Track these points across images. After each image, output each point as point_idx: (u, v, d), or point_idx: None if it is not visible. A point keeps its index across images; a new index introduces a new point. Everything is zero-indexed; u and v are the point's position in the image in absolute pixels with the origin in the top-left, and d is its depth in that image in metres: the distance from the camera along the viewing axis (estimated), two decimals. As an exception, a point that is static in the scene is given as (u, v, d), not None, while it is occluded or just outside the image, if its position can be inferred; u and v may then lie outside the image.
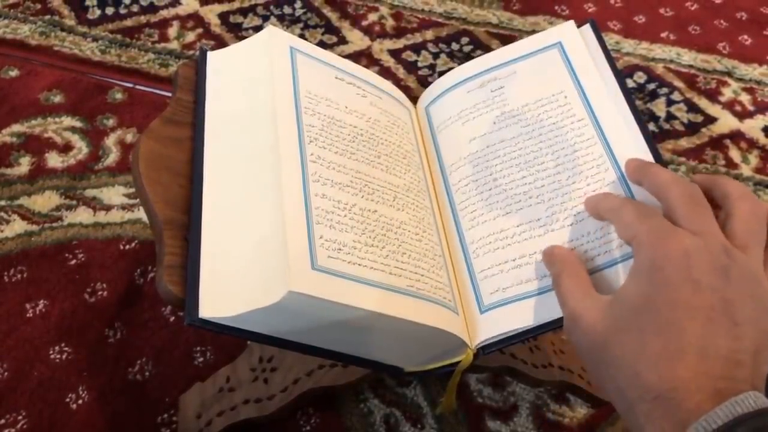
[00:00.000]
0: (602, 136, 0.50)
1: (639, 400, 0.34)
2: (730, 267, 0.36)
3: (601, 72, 0.53)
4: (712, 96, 1.03)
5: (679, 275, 0.36)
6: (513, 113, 0.54)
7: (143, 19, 1.08)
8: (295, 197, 0.44)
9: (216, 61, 0.56)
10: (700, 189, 0.41)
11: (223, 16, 1.10)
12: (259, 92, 0.51)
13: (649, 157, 0.48)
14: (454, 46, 1.08)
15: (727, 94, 1.04)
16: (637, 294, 0.37)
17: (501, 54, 0.58)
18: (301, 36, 1.06)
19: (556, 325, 0.45)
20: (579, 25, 0.56)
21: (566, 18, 1.12)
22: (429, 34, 1.10)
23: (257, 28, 1.07)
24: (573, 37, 0.56)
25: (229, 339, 0.70)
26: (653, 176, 0.43)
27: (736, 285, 0.36)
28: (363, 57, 1.06)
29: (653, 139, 0.49)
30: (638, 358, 0.35)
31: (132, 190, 0.85)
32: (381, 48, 1.07)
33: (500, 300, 0.47)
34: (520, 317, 0.46)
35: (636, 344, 0.35)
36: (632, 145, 0.49)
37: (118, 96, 0.96)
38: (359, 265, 0.44)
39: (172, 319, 0.75)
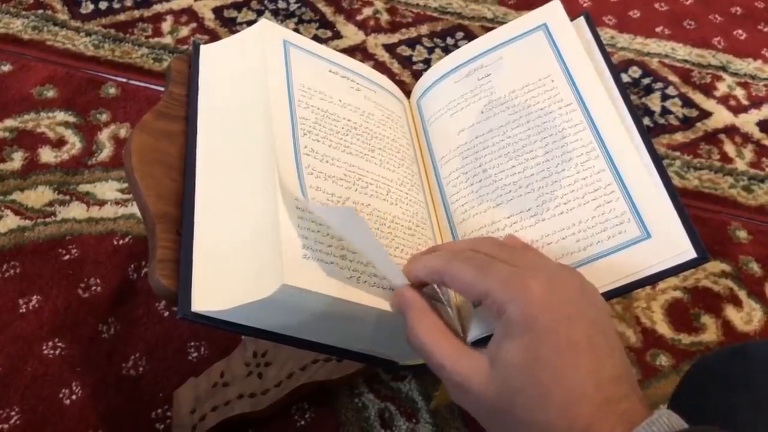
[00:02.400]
0: (591, 121, 0.50)
1: None
2: (581, 282, 0.37)
3: (594, 64, 0.53)
4: (707, 91, 1.03)
5: (551, 318, 0.35)
6: (500, 101, 0.54)
7: (137, 13, 1.08)
8: (288, 191, 0.44)
9: (209, 55, 0.55)
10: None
11: (217, 11, 1.09)
12: (253, 85, 0.51)
13: (641, 146, 0.48)
14: (449, 40, 1.08)
15: (721, 88, 1.04)
16: (519, 353, 0.35)
17: (486, 40, 0.57)
18: (296, 30, 1.05)
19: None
20: (573, 19, 0.56)
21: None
22: (424, 29, 1.10)
23: (251, 23, 1.07)
24: (558, 18, 0.55)
25: (224, 334, 0.70)
26: (425, 266, 0.41)
27: (588, 299, 0.36)
28: (358, 52, 1.05)
29: (648, 134, 0.49)
30: (545, 413, 0.34)
31: (126, 185, 0.84)
32: (376, 43, 1.07)
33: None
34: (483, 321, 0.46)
35: (539, 401, 0.34)
36: (622, 129, 0.48)
37: (112, 91, 0.96)
38: (351, 260, 0.43)
39: (166, 314, 0.74)
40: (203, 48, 0.56)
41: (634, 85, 1.04)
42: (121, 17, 1.07)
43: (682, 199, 0.47)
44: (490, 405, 0.36)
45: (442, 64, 0.58)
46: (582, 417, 0.33)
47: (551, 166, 0.49)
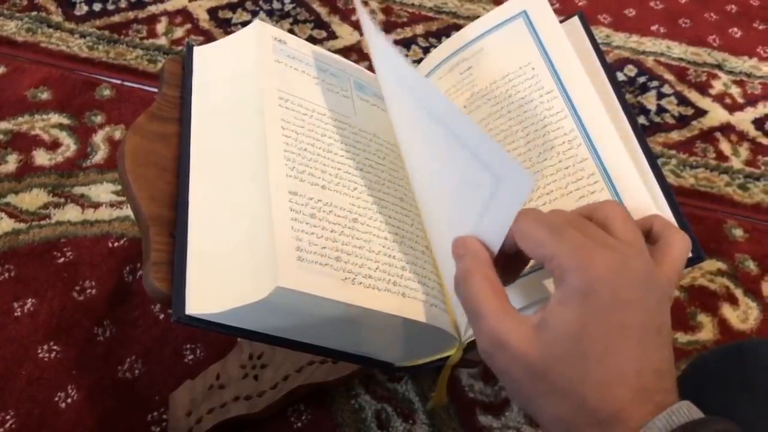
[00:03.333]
0: (573, 109, 0.49)
1: (584, 426, 0.34)
2: (648, 274, 0.36)
3: (588, 64, 0.53)
4: (703, 89, 1.03)
5: (611, 297, 0.35)
6: (482, 93, 0.53)
7: (131, 15, 1.07)
8: (282, 193, 0.44)
9: (202, 56, 0.55)
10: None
11: (212, 12, 1.09)
12: (246, 87, 0.51)
13: (637, 149, 0.47)
14: (444, 40, 1.08)
15: (717, 86, 1.04)
16: (572, 321, 0.35)
17: (467, 32, 0.57)
18: (291, 31, 1.05)
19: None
20: (567, 18, 0.56)
21: (557, 11, 1.12)
22: (419, 29, 1.09)
23: (246, 24, 1.06)
24: (537, 4, 0.54)
25: (219, 336, 0.70)
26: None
27: (652, 293, 0.36)
28: (353, 52, 1.05)
29: (644, 133, 0.49)
30: (582, 386, 0.34)
31: (121, 187, 0.84)
32: (371, 43, 1.07)
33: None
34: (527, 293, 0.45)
35: (579, 372, 0.34)
36: (604, 115, 0.48)
37: (106, 92, 0.95)
38: (346, 261, 0.43)
39: (161, 316, 0.74)
40: (197, 49, 0.55)
41: (630, 83, 1.04)
42: (116, 19, 1.06)
43: (678, 197, 0.47)
44: (525, 367, 0.35)
45: (426, 62, 0.58)
46: (616, 399, 0.33)
47: (533, 155, 0.49)
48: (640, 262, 0.36)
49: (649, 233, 0.41)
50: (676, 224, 0.43)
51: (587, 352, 0.34)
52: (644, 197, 0.45)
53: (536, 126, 0.50)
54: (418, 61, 1.03)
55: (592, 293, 0.35)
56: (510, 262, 0.40)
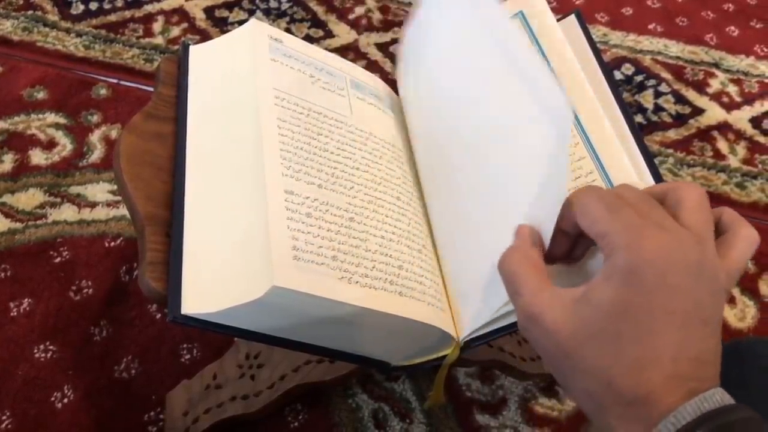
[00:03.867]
0: (576, 123, 0.49)
1: (612, 404, 0.34)
2: (702, 264, 0.35)
3: (585, 62, 0.52)
4: (700, 87, 1.03)
5: (656, 280, 0.34)
6: (477, 91, 0.53)
7: (127, 14, 1.07)
8: (278, 192, 0.44)
9: (198, 55, 0.55)
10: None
11: (209, 11, 1.09)
12: (242, 86, 0.50)
13: (634, 149, 0.47)
14: (442, 39, 1.08)
15: (714, 85, 1.04)
16: (612, 298, 0.35)
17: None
18: (287, 30, 1.05)
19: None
20: (564, 16, 0.56)
21: (554, 9, 1.12)
22: (416, 28, 1.09)
23: (243, 23, 1.06)
24: (534, 5, 0.54)
25: (216, 336, 0.70)
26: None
27: (704, 283, 0.35)
28: (350, 51, 1.05)
29: (640, 131, 0.49)
30: (613, 365, 0.34)
31: (117, 186, 0.84)
32: (368, 42, 1.07)
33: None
34: (506, 309, 0.45)
35: (611, 351, 0.34)
36: (602, 115, 0.48)
37: (103, 92, 0.95)
38: (342, 260, 0.43)
39: (158, 316, 0.74)
40: (192, 48, 0.55)
41: (627, 82, 1.04)
42: (112, 18, 1.06)
43: (675, 196, 0.47)
44: (557, 342, 0.36)
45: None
46: (647, 382, 0.33)
47: (530, 163, 0.48)
48: (697, 250, 0.36)
49: (717, 224, 0.40)
50: None
51: (623, 332, 0.34)
52: None
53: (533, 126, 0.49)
54: (415, 60, 1.03)
55: (637, 273, 0.34)
56: (571, 244, 0.41)
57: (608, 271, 0.35)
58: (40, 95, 0.94)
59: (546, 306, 0.36)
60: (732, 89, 1.03)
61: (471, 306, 0.47)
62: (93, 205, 0.83)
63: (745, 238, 0.39)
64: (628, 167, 0.46)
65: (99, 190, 0.84)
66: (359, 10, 1.11)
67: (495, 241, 0.44)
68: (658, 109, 1.00)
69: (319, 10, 1.11)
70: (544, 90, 0.41)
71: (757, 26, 1.14)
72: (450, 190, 0.51)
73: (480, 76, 0.49)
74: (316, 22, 1.09)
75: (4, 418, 0.67)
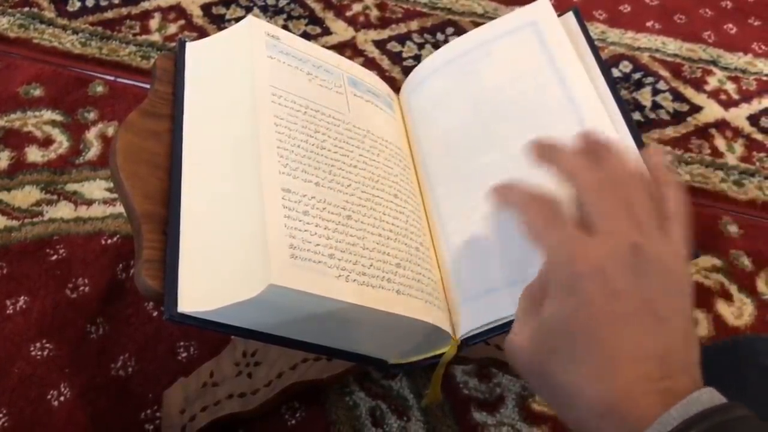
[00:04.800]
0: (579, 119, 0.49)
1: (587, 417, 0.34)
2: (642, 265, 0.36)
3: (583, 59, 0.52)
4: (698, 85, 1.03)
5: (596, 290, 0.35)
6: (488, 97, 0.54)
7: (124, 11, 1.07)
8: (275, 190, 0.44)
9: (195, 52, 0.55)
10: (611, 173, 0.39)
11: (206, 8, 1.09)
12: (238, 84, 0.50)
13: (630, 143, 0.47)
14: (439, 36, 1.08)
15: (712, 83, 1.04)
16: (558, 316, 0.36)
17: (475, 36, 0.57)
18: (285, 27, 1.05)
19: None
20: (562, 14, 0.56)
21: (553, 6, 1.12)
22: (414, 25, 1.09)
23: (240, 20, 1.06)
24: (547, 16, 0.54)
25: (213, 334, 0.69)
26: (561, 162, 0.40)
27: (651, 281, 0.35)
28: (347, 48, 1.05)
29: (638, 129, 0.49)
30: (576, 379, 0.34)
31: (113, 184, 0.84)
32: (365, 39, 1.06)
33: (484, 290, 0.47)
34: (504, 307, 0.45)
35: (571, 365, 0.35)
36: (612, 130, 0.48)
37: (99, 89, 0.95)
38: (340, 258, 0.43)
39: (155, 314, 0.74)
40: (189, 45, 0.55)
41: (625, 80, 1.03)
42: (109, 15, 1.06)
43: (673, 194, 0.47)
44: (529, 362, 0.37)
45: (430, 60, 0.58)
46: (613, 390, 0.33)
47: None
48: (634, 251, 0.36)
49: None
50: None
51: (576, 345, 0.34)
52: None
53: (542, 133, 0.50)
54: (413, 58, 1.03)
55: (575, 286, 0.35)
56: None
57: (552, 290, 0.36)
58: (37, 92, 0.93)
59: (517, 332, 0.38)
60: (730, 87, 1.03)
61: (471, 304, 0.47)
62: (89, 202, 0.82)
63: (674, 200, 0.39)
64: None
65: (95, 188, 0.84)
66: (357, 7, 1.11)
67: (501, 237, 0.44)
68: (655, 106, 1.00)
69: (317, 7, 1.11)
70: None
71: (755, 24, 1.14)
72: (459, 187, 0.51)
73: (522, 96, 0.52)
74: (314, 19, 1.09)
75: (0, 416, 0.66)
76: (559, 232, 0.37)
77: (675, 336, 0.35)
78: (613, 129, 0.48)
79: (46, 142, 0.88)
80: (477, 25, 1.08)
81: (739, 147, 0.96)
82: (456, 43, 0.57)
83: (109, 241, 0.79)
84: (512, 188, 0.41)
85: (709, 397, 0.32)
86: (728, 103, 1.01)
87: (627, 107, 0.50)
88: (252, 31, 0.53)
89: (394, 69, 1.02)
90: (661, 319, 0.35)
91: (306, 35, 1.05)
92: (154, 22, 1.05)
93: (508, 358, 0.39)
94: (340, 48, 1.04)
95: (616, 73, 1.04)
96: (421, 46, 1.06)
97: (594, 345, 0.34)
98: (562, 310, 0.35)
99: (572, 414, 0.35)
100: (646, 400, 0.32)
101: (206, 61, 0.54)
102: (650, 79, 1.04)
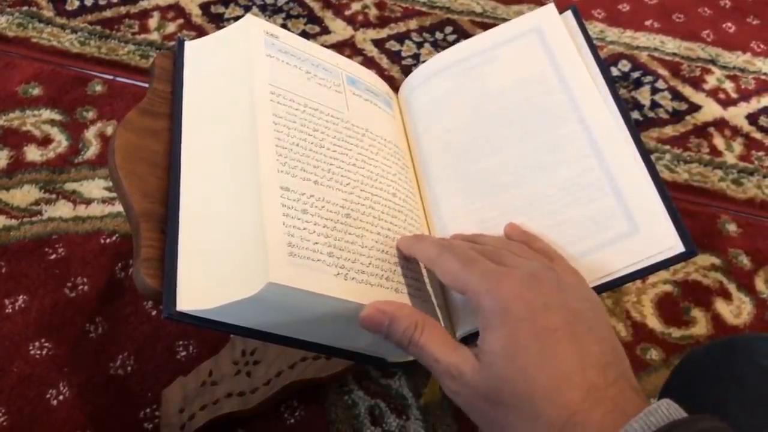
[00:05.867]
0: (582, 122, 0.50)
1: None
2: (561, 279, 0.38)
3: (582, 58, 0.53)
4: (696, 84, 1.03)
5: (527, 308, 0.36)
6: (491, 99, 0.54)
7: (123, 10, 1.07)
8: (273, 188, 0.44)
9: (193, 51, 0.55)
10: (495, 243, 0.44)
11: (204, 7, 1.09)
12: (237, 82, 0.50)
13: (631, 147, 0.47)
14: (438, 35, 1.08)
15: (711, 81, 1.04)
16: (499, 341, 0.36)
17: (480, 40, 0.57)
18: (284, 26, 1.04)
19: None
20: (560, 12, 0.56)
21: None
22: (413, 24, 1.09)
23: (239, 19, 1.06)
24: (552, 22, 0.55)
25: (212, 333, 0.70)
26: (422, 250, 0.44)
27: (571, 293, 0.38)
28: (346, 47, 1.05)
29: (637, 128, 0.49)
30: (531, 398, 0.34)
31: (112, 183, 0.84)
32: (364, 38, 1.06)
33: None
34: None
35: (524, 386, 0.35)
36: (614, 131, 0.48)
37: (98, 88, 0.95)
38: (338, 257, 0.43)
39: (153, 313, 0.74)
40: (188, 44, 0.55)
41: (624, 78, 1.03)
42: (108, 14, 1.06)
43: (672, 192, 0.47)
44: (481, 396, 0.37)
45: (433, 62, 0.58)
46: (568, 403, 0.33)
47: (540, 165, 0.49)
48: (551, 269, 0.39)
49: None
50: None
51: (525, 365, 0.35)
52: (649, 202, 0.46)
53: (544, 137, 0.50)
54: (412, 57, 1.03)
55: (507, 310, 0.36)
56: None
57: (484, 319, 0.37)
58: (35, 91, 0.93)
59: (460, 366, 0.38)
60: (728, 86, 1.03)
61: (469, 304, 0.47)
62: (88, 201, 0.82)
63: (543, 244, 0.45)
64: (635, 178, 0.47)
65: (94, 187, 0.84)
66: (356, 6, 1.11)
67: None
68: (654, 105, 1.00)
69: (316, 6, 1.11)
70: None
71: (754, 23, 1.14)
72: (459, 188, 0.51)
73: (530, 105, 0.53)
74: (313, 19, 1.09)
75: (-1, 415, 0.67)
76: (478, 266, 0.39)
77: (605, 345, 0.36)
78: (618, 137, 0.48)
79: (45, 141, 0.88)
80: (475, 23, 1.09)
81: (737, 146, 0.96)
82: (460, 47, 0.57)
83: (108, 240, 0.79)
84: (418, 241, 0.45)
85: (668, 408, 0.32)
86: (727, 102, 1.01)
87: (626, 106, 0.50)
88: (251, 30, 0.53)
89: (393, 68, 1.02)
90: (591, 329, 0.36)
91: (305, 34, 1.05)
92: (152, 21, 1.05)
93: (458, 398, 0.38)
94: (339, 47, 1.04)
95: (614, 72, 1.04)
96: (419, 45, 1.06)
97: (541, 362, 0.35)
98: (503, 334, 0.36)
99: None
100: (600, 409, 0.33)
101: (205, 60, 0.54)
102: (649, 78, 1.04)
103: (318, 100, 0.52)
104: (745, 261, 0.84)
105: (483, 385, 0.36)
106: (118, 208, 0.82)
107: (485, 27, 1.09)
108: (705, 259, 0.84)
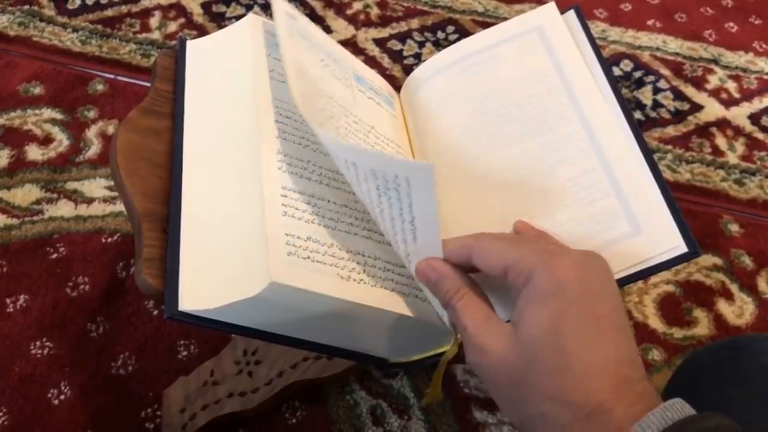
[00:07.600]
0: (584, 122, 0.49)
1: (571, 421, 0.34)
2: (609, 270, 0.38)
3: (585, 58, 0.52)
4: (699, 84, 1.03)
5: (580, 289, 0.36)
6: (492, 99, 0.54)
7: (124, 9, 1.06)
8: (275, 188, 0.44)
9: (195, 50, 0.55)
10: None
11: (206, 6, 1.08)
12: (239, 81, 0.50)
13: (633, 146, 0.47)
14: (440, 34, 1.07)
15: (713, 81, 1.04)
16: (546, 317, 0.35)
17: (481, 39, 0.57)
18: (285, 25, 1.04)
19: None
20: (563, 12, 0.55)
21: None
22: (414, 23, 1.09)
23: (241, 18, 1.06)
24: (553, 21, 0.55)
25: (214, 332, 0.70)
26: (455, 241, 0.42)
27: (614, 284, 0.37)
28: (348, 46, 1.04)
29: (640, 128, 0.49)
30: (563, 380, 0.34)
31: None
32: (366, 37, 1.06)
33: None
34: (504, 305, 0.45)
35: (560, 369, 0.34)
36: (616, 131, 0.48)
37: (99, 87, 0.95)
38: (340, 257, 0.43)
39: (155, 312, 0.74)
40: (189, 43, 0.55)
41: (626, 78, 1.03)
42: (109, 13, 1.06)
43: (674, 192, 0.47)
44: (507, 372, 0.36)
45: (434, 61, 0.58)
46: (599, 392, 0.33)
47: (542, 164, 0.49)
48: (596, 256, 0.38)
49: None
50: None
51: (566, 346, 0.35)
52: (651, 203, 0.46)
53: (546, 136, 0.50)
54: (414, 56, 1.03)
55: (562, 289, 0.36)
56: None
57: (531, 295, 0.36)
58: (37, 90, 0.93)
59: (492, 338, 0.37)
60: (731, 86, 1.03)
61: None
62: (90, 201, 0.82)
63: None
64: (638, 178, 0.47)
65: (96, 186, 0.84)
66: (357, 6, 1.11)
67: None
68: (656, 105, 1.00)
69: (317, 5, 1.11)
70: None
71: (756, 22, 1.13)
72: (460, 187, 0.51)
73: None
74: (314, 18, 1.09)
75: (0, 414, 0.66)
76: (529, 244, 0.39)
77: (633, 344, 0.36)
78: (620, 137, 0.48)
79: (46, 141, 0.88)
80: (477, 23, 1.09)
81: (740, 146, 0.96)
82: (461, 45, 0.57)
83: (110, 240, 0.79)
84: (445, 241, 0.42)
85: (682, 406, 0.33)
86: (729, 102, 1.01)
87: (628, 106, 0.50)
88: (252, 29, 0.53)
89: (394, 67, 1.02)
90: (625, 327, 0.36)
91: (306, 33, 1.05)
92: (154, 20, 1.05)
93: (480, 370, 0.38)
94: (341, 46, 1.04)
95: (617, 71, 1.04)
96: (421, 45, 1.05)
97: (584, 345, 0.34)
98: (549, 312, 0.35)
99: (552, 420, 0.35)
100: (626, 401, 0.33)
101: (207, 59, 0.54)
102: (651, 78, 1.03)
103: (331, 89, 0.51)
104: (747, 261, 0.84)
105: (513, 362, 0.36)
106: (120, 207, 0.82)
107: (487, 26, 1.07)
108: (707, 260, 0.84)
